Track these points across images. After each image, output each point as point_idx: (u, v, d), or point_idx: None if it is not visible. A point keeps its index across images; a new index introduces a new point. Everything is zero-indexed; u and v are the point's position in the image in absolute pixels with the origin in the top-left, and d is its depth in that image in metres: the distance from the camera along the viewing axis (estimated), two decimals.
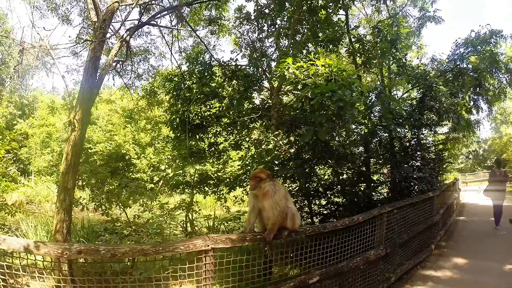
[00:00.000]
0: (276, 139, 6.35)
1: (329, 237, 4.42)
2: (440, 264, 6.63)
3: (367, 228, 5.07)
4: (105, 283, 3.29)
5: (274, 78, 8.60)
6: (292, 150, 6.94)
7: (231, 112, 9.72)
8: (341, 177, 7.89)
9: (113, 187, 8.67)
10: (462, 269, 6.26)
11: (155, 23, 8.96)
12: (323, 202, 8.47)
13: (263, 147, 6.55)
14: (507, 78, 11.59)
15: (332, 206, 8.32)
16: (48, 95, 35.14)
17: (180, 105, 9.92)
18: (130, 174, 21.43)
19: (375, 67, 10.08)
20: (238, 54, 10.54)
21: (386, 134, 8.21)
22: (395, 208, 6.10)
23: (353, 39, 9.43)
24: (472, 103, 11.31)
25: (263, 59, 9.56)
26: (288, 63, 5.72)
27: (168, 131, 11.41)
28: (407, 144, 8.68)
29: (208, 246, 3.11)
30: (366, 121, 6.97)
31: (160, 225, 7.37)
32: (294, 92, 5.79)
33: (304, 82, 5.33)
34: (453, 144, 12.84)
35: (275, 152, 6.17)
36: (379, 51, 8.47)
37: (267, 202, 3.48)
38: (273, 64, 9.74)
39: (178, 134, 9.99)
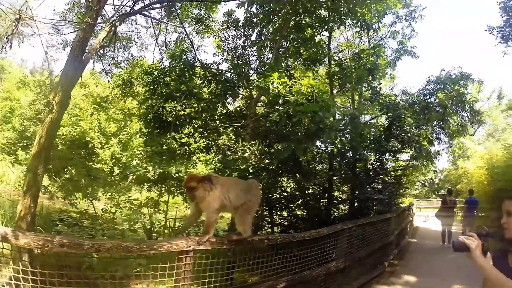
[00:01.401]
0: (252, 148, 6.62)
1: (293, 247, 4.74)
2: (392, 280, 7.12)
3: (330, 241, 5.43)
4: (66, 277, 2.98)
5: (253, 88, 8.95)
6: (266, 161, 7.21)
7: (204, 115, 9.92)
8: (306, 191, 8.26)
9: (77, 175, 8.52)
10: (412, 286, 6.75)
11: (146, 13, 9.02)
12: (285, 213, 8.84)
13: (239, 154, 6.79)
14: (469, 116, 12.52)
15: (293, 218, 8.70)
16: (16, 67, 33.53)
17: (155, 100, 10.03)
18: (91, 163, 20.89)
19: (349, 91, 10.69)
20: (221, 58, 10.83)
21: (351, 155, 8.69)
22: (356, 225, 6.53)
23: (333, 62, 9.97)
24: (434, 135, 12.12)
25: (244, 67, 9.86)
26: (274, 78, 6.05)
27: (141, 125, 11.32)
28: (370, 167, 9.26)
29: (189, 247, 3.20)
30: (337, 142, 7.38)
31: (137, 222, 7.33)
32: (275, 106, 6.04)
33: (286, 98, 5.67)
34: (411, 171, 13.61)
35: (249, 162, 6.41)
36: (355, 77, 8.98)
37: (203, 204, 3.40)
38: (252, 73, 10.13)
39: (150, 130, 10.08)
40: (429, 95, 11.30)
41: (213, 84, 9.90)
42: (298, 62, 9.87)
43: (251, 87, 9.42)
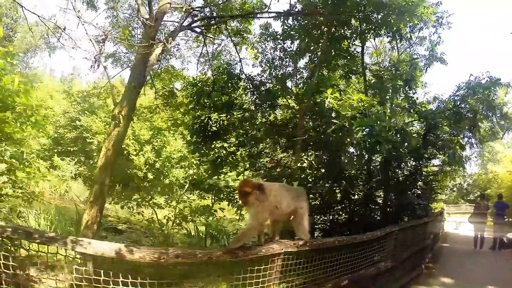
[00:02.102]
0: (310, 159, 7.22)
1: (351, 248, 5.26)
2: (430, 281, 7.56)
3: (380, 243, 5.96)
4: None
5: (294, 99, 9.50)
6: (323, 170, 7.78)
7: (246, 123, 10.49)
8: (352, 197, 8.76)
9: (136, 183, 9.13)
10: (450, 286, 7.21)
11: (196, 29, 9.70)
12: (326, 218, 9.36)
13: (298, 164, 7.40)
14: (498, 120, 12.76)
15: (332, 224, 9.20)
16: (46, 76, 34.95)
17: (199, 111, 10.71)
18: (127, 169, 21.54)
19: (386, 102, 11.17)
20: (261, 70, 11.45)
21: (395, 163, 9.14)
22: (400, 229, 7.03)
23: (368, 73, 10.43)
24: (465, 140, 12.41)
25: (284, 77, 10.44)
26: (328, 94, 6.65)
27: (187, 134, 11.99)
28: (409, 173, 9.69)
29: (281, 249, 3.52)
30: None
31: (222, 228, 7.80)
32: (331, 120, 6.61)
33: (342, 112, 6.26)
34: (443, 176, 13.92)
35: (307, 171, 7.00)
36: (392, 88, 9.44)
37: (256, 209, 3.40)
38: (290, 84, 10.69)
39: (198, 139, 10.73)
40: (460, 101, 11.61)
41: (256, 95, 10.52)
42: (335, 73, 10.40)
43: (293, 97, 10.01)
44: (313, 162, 7.17)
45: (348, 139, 6.87)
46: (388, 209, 8.88)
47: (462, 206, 31.86)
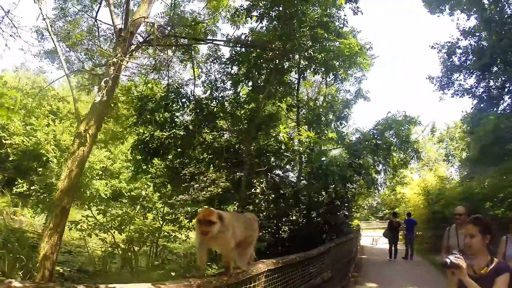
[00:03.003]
0: (261, 185, 8.29)
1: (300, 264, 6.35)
2: (357, 287, 9.07)
3: (324, 257, 7.21)
4: None
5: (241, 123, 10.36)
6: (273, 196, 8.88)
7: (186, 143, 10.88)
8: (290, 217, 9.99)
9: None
10: None
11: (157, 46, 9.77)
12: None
13: (252, 190, 8.41)
14: (411, 153, 15.27)
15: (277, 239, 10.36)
16: None
17: (142, 126, 10.99)
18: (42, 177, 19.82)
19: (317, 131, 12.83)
20: (203, 91, 11.98)
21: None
22: (336, 244, 8.42)
23: (304, 106, 11.96)
24: (380, 166, 14.61)
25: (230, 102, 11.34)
26: (280, 129, 7.85)
27: (130, 152, 12.04)
28: (339, 197, 11.32)
29: (266, 268, 3.92)
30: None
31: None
32: (284, 153, 7.74)
33: (293, 147, 7.50)
34: (360, 197, 16.06)
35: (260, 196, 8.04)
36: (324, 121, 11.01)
37: (218, 241, 3.29)
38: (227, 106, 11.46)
39: (139, 157, 10.96)
40: (378, 134, 13.75)
41: (198, 115, 10.89)
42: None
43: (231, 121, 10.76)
44: (262, 186, 8.19)
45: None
46: (324, 227, 10.32)
47: (372, 222, 36.23)
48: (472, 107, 16.04)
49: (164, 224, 9.27)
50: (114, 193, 20.91)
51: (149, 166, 11.06)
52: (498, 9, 12.97)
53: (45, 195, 18.67)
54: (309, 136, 7.75)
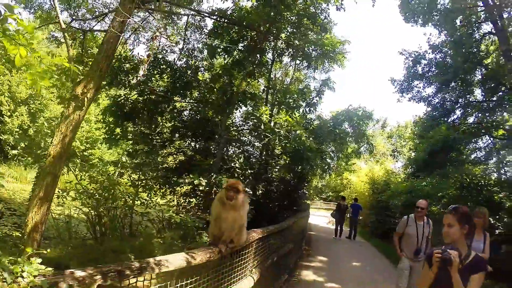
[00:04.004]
0: (239, 160, 8.83)
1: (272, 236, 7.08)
2: (311, 259, 10.12)
3: (287, 231, 8.01)
4: None
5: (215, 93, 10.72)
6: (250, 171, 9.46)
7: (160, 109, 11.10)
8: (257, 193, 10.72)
9: None
10: (325, 262, 9.85)
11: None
12: None
13: (232, 164, 8.93)
14: (365, 147, 16.59)
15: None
16: None
17: (115, 87, 10.88)
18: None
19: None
20: (179, 57, 12.01)
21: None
22: (296, 220, 9.30)
23: (279, 89, 12.58)
24: (333, 154, 15.77)
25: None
26: (264, 111, 8.41)
27: (101, 111, 11.83)
28: (300, 176, 12.25)
29: (258, 236, 4.58)
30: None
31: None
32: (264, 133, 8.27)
33: (276, 129, 8.10)
34: (314, 178, 17.31)
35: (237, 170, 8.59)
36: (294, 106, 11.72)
37: (234, 214, 3.45)
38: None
39: (110, 119, 10.96)
40: (338, 124, 14.77)
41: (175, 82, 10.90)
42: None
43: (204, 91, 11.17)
44: (239, 161, 8.76)
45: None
46: (285, 203, 11.19)
47: (317, 202, 38.69)
48: (426, 113, 17.73)
49: (137, 189, 9.41)
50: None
51: (123, 130, 11.02)
52: (468, 33, 14.15)
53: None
54: (287, 120, 8.38)
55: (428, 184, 11.51)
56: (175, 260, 2.58)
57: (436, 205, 11.47)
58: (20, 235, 5.59)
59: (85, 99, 5.30)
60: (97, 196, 7.48)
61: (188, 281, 2.81)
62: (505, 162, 10.79)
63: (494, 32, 13.58)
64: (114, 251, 6.06)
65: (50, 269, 1.86)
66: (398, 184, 15.74)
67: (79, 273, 1.78)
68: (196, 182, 7.27)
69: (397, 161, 40.45)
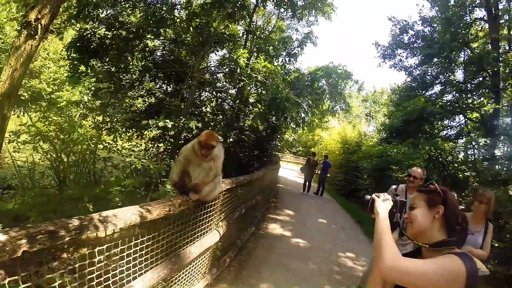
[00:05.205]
0: (211, 104, 8.31)
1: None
2: (278, 212, 10.07)
3: (258, 182, 7.80)
4: None
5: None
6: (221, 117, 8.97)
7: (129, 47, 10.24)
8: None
9: None
10: (292, 216, 9.83)
11: None
12: None
13: (203, 108, 8.39)
14: (342, 105, 16.47)
15: None
16: None
17: (82, 22, 9.91)
18: None
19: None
20: None
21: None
22: (265, 173, 9.08)
23: (259, 34, 11.87)
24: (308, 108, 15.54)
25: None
26: (242, 54, 7.81)
27: (65, 49, 10.84)
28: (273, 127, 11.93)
29: (225, 187, 4.36)
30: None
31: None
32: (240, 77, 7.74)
33: (254, 75, 7.57)
34: (287, 131, 17.14)
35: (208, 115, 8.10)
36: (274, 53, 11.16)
37: (208, 163, 3.27)
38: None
39: (75, 55, 10.03)
40: (315, 79, 14.42)
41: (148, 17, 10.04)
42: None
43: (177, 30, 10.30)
44: (211, 105, 8.26)
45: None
46: (256, 154, 10.93)
47: (287, 156, 39.14)
48: (405, 83, 17.77)
49: (102, 133, 8.81)
50: (32, 95, 18.60)
51: (88, 68, 10.12)
52: (459, 14, 13.99)
53: None
54: (266, 66, 7.85)
55: (400, 151, 11.53)
56: (125, 216, 2.23)
57: (402, 172, 11.71)
58: None
59: (39, 26, 4.56)
60: (53, 139, 6.77)
61: (144, 238, 2.48)
62: (474, 143, 11.01)
63: (486, 19, 13.69)
64: (71, 199, 5.66)
65: None
66: (370, 147, 15.86)
67: None
68: (161, 124, 6.75)
69: (369, 125, 41.22)
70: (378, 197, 1.77)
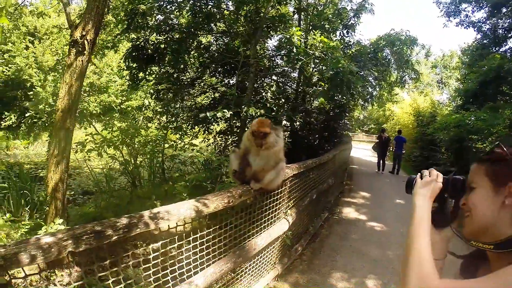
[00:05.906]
0: (271, 89, 8.06)
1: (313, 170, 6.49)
2: (353, 195, 9.56)
3: (329, 164, 7.38)
4: None
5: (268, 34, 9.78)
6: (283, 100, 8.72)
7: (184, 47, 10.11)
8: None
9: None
10: (368, 199, 9.26)
11: None
12: None
13: (264, 94, 8.19)
14: (410, 74, 15.19)
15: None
16: None
17: (134, 32, 10.19)
18: (28, 103, 17.82)
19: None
20: None
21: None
22: (337, 153, 8.60)
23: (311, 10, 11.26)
24: (376, 81, 14.53)
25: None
26: (295, 32, 7.41)
27: (123, 60, 11.26)
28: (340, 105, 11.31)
29: (292, 173, 4.11)
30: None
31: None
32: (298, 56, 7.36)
33: (311, 52, 7.13)
34: (355, 108, 16.26)
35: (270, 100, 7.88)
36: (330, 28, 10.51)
37: (264, 152, 3.09)
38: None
39: (134, 64, 10.24)
40: (379, 50, 13.36)
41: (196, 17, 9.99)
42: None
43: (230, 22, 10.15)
44: (272, 90, 7.99)
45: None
46: (325, 135, 10.45)
47: (359, 135, 37.58)
48: (475, 41, 15.92)
49: (167, 132, 9.09)
50: (104, 108, 20.21)
51: (146, 74, 10.48)
52: None
53: (35, 120, 17.94)
54: (323, 41, 7.35)
55: (479, 118, 10.21)
56: (179, 211, 2.15)
57: (482, 142, 10.42)
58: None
59: (85, 42, 4.73)
60: (118, 144, 7.16)
61: (204, 232, 2.35)
62: None
63: None
64: (140, 198, 5.88)
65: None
66: (446, 116, 14.34)
67: (45, 240, 1.52)
68: (219, 115, 6.70)
69: (442, 93, 37.87)
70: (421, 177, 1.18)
